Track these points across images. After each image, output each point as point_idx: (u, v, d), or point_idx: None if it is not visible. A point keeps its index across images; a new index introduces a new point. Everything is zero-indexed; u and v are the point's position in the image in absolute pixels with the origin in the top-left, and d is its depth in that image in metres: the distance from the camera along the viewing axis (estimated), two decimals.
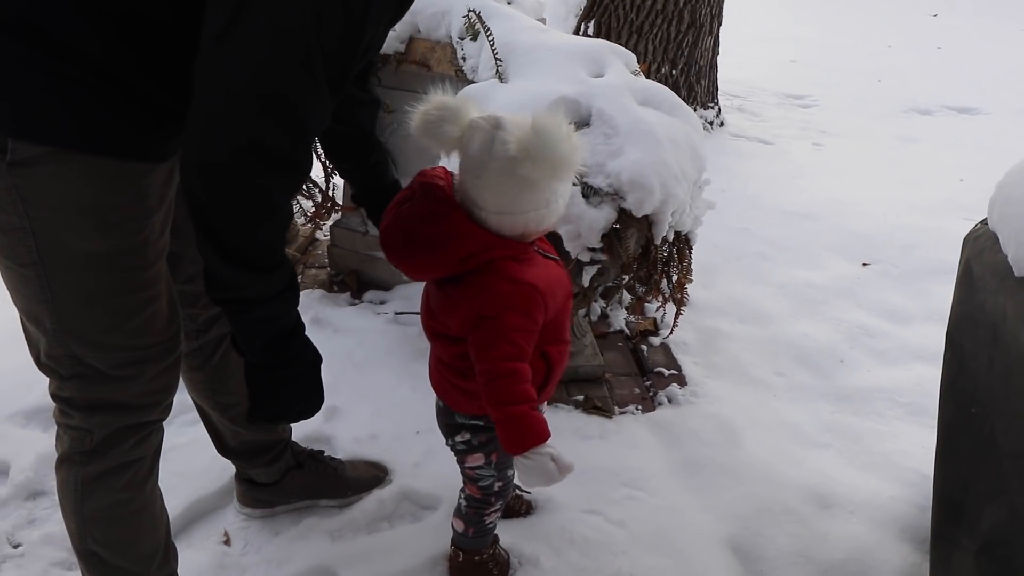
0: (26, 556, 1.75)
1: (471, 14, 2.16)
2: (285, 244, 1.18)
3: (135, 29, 1.05)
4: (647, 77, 2.14)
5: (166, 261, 1.29)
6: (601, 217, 1.80)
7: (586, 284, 1.99)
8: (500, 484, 1.56)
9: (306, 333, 1.25)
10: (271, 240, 1.13)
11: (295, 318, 1.21)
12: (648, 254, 1.98)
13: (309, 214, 2.86)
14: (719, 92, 4.84)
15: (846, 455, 2.16)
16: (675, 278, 2.14)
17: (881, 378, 2.51)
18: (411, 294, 2.66)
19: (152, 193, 1.20)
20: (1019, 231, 1.36)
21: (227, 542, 1.80)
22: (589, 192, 1.79)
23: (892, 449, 2.18)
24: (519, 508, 1.85)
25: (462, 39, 2.20)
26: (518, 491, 1.84)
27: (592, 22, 4.32)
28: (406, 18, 2.29)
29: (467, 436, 1.50)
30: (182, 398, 1.55)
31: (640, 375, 2.43)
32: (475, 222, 1.25)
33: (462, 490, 1.62)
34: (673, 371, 2.44)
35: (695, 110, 4.54)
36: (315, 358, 1.26)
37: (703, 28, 4.42)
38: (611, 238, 1.88)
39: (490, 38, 2.08)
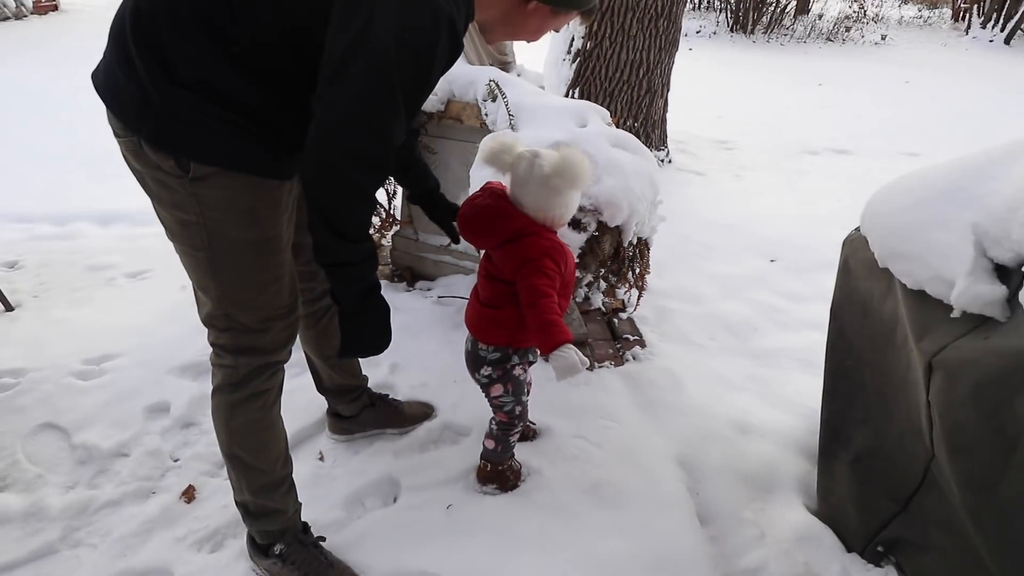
0: (183, 467, 1.79)
1: (491, 83, 2.16)
2: (370, 225, 1.22)
3: (273, 80, 1.12)
4: (617, 127, 2.14)
5: (290, 249, 1.34)
6: (579, 239, 1.86)
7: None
8: (519, 408, 1.58)
9: (381, 293, 1.27)
10: (362, 219, 1.18)
11: (375, 279, 1.24)
12: (618, 254, 1.99)
13: (376, 227, 2.87)
14: (668, 139, 4.81)
15: (760, 396, 2.17)
16: (638, 271, 2.15)
17: (784, 341, 2.51)
18: (449, 283, 2.67)
19: (283, 199, 1.26)
20: (882, 236, 1.37)
21: (321, 459, 1.82)
22: (574, 223, 1.83)
23: (791, 391, 2.18)
24: (528, 434, 1.86)
25: (485, 101, 2.20)
26: (529, 423, 1.85)
27: (577, 89, 4.31)
28: (444, 86, 2.31)
29: (488, 370, 1.51)
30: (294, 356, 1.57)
31: (613, 340, 2.44)
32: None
33: (492, 418, 1.63)
34: (636, 337, 2.45)
35: (651, 151, 4.55)
36: (387, 309, 1.29)
37: (656, 93, 4.40)
38: (591, 242, 1.89)
39: (505, 100, 2.09)
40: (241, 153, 1.15)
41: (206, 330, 1.34)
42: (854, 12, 13.50)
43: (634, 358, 2.32)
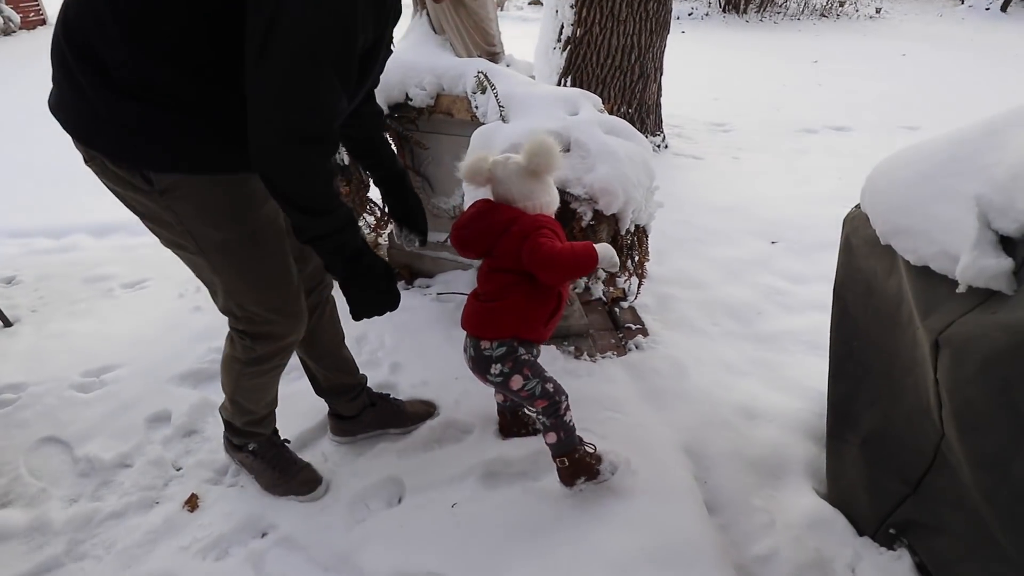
0: (185, 476, 1.77)
1: (480, 75, 2.13)
2: (335, 194, 1.20)
3: (206, 72, 1.11)
4: (611, 114, 2.11)
5: (287, 236, 1.36)
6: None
7: None
8: (551, 384, 1.50)
9: (373, 252, 1.29)
10: (322, 191, 1.15)
11: (360, 242, 1.24)
12: (616, 242, 1.95)
13: (371, 226, 2.84)
14: (663, 124, 4.76)
15: (764, 380, 2.14)
16: (636, 259, 2.11)
17: (788, 324, 2.48)
18: (447, 280, 2.64)
19: (257, 191, 1.26)
20: (883, 212, 1.33)
21: (325, 461, 1.80)
22: (569, 212, 1.81)
23: (797, 374, 2.15)
24: (530, 427, 1.83)
25: (474, 93, 2.16)
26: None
27: (569, 77, 4.26)
28: (433, 79, 2.27)
29: (498, 367, 1.46)
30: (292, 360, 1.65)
31: (615, 330, 2.41)
32: None
33: (535, 414, 1.54)
34: (639, 326, 2.42)
35: (647, 137, 4.50)
36: (384, 266, 1.31)
37: (649, 78, 4.35)
38: (587, 232, 1.85)
39: (495, 91, 2.05)
40: (196, 155, 1.16)
41: (208, 331, 1.41)
42: None
43: (637, 347, 2.29)
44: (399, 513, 1.61)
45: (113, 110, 1.09)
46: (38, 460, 1.84)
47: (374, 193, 2.66)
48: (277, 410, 1.71)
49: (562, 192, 1.75)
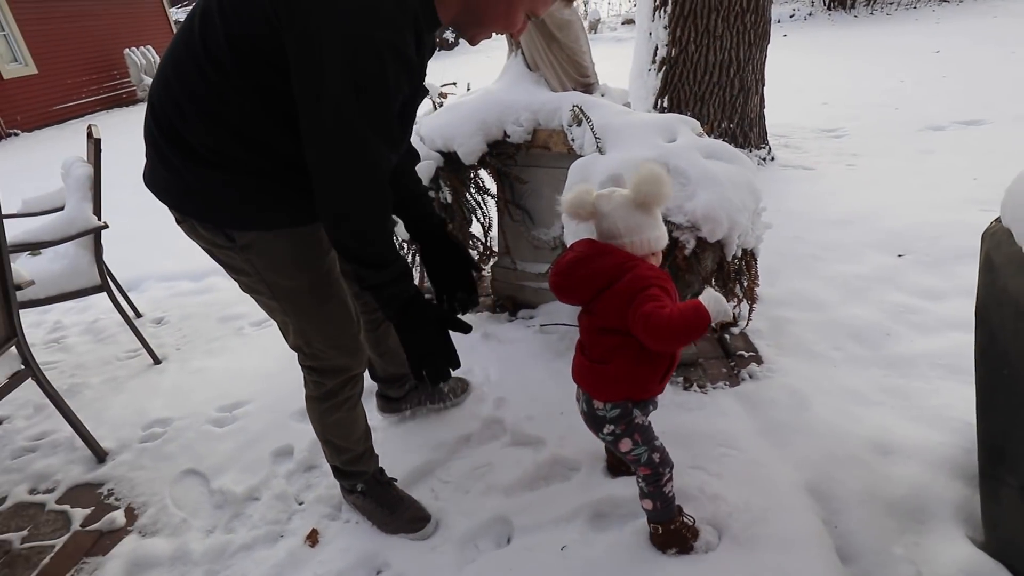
0: (306, 510, 1.84)
1: (575, 108, 2.11)
2: (393, 246, 1.28)
3: (272, 143, 1.23)
4: (709, 134, 2.02)
5: (342, 277, 1.51)
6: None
7: None
8: (657, 455, 1.43)
9: (425, 299, 1.33)
10: (381, 249, 1.25)
11: (412, 293, 1.31)
12: (722, 268, 1.86)
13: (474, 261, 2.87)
14: (768, 135, 4.53)
15: (898, 410, 1.93)
16: (745, 283, 2.00)
17: (923, 346, 2.23)
18: (552, 310, 2.62)
19: (321, 240, 1.40)
20: None
21: (436, 499, 1.81)
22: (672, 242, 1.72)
23: (937, 403, 1.92)
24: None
25: (570, 126, 2.15)
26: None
27: (666, 97, 4.16)
28: (530, 115, 2.29)
29: (611, 427, 1.41)
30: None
31: (726, 358, 2.29)
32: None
33: (636, 477, 1.48)
34: (752, 353, 2.28)
35: (750, 151, 4.30)
36: (435, 313, 1.34)
37: (750, 90, 4.16)
38: (691, 260, 1.77)
39: (590, 123, 2.02)
40: (271, 214, 1.30)
41: None
42: None
43: (751, 376, 2.15)
44: (509, 555, 1.58)
45: (201, 181, 1.24)
46: (180, 491, 1.99)
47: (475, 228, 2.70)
48: (382, 452, 1.77)
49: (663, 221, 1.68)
